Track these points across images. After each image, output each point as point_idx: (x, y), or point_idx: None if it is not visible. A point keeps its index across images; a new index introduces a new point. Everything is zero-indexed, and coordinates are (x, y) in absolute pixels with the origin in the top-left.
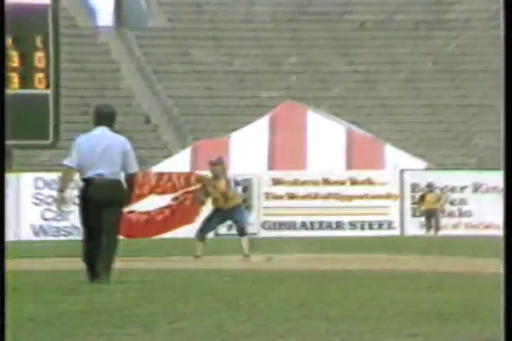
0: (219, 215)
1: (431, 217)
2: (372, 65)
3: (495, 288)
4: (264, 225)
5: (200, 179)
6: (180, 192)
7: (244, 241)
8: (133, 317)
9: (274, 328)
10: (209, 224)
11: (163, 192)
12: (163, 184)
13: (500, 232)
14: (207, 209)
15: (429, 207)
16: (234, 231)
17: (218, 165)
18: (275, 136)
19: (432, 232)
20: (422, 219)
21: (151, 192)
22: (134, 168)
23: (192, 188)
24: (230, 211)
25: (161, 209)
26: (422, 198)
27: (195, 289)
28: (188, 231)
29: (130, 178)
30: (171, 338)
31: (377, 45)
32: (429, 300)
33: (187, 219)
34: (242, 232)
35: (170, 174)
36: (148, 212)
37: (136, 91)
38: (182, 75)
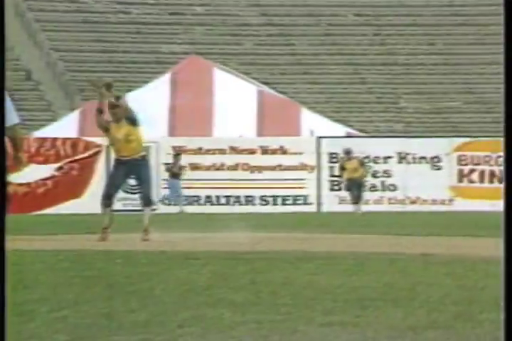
0: (121, 169)
1: (352, 188)
2: (287, 17)
3: (420, 270)
4: (163, 200)
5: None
6: (65, 161)
7: (147, 212)
8: (8, 305)
9: (171, 317)
10: (112, 183)
11: (46, 161)
12: (45, 151)
13: (428, 207)
14: (97, 181)
15: (348, 176)
16: (129, 207)
17: (119, 107)
18: (177, 97)
19: (353, 207)
20: (341, 193)
21: (31, 160)
22: (12, 119)
23: (80, 157)
24: (134, 163)
25: (43, 181)
26: (342, 167)
27: (80, 272)
28: (73, 206)
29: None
30: (51, 329)
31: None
32: (347, 284)
33: (73, 192)
34: (146, 200)
35: (54, 140)
36: (27, 184)
37: (15, 42)
38: (69, 25)
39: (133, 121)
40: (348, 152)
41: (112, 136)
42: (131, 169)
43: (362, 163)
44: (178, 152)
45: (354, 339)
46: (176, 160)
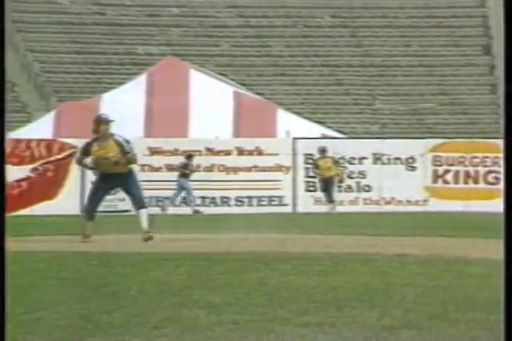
0: (107, 182)
1: (326, 187)
2: (264, 18)
3: (395, 270)
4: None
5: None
6: (40, 162)
7: (143, 215)
8: None
9: (147, 318)
10: (97, 197)
11: (20, 163)
12: (20, 152)
13: (403, 208)
14: (71, 182)
15: (321, 175)
16: (108, 208)
17: (107, 124)
18: (153, 98)
19: (328, 207)
20: (317, 194)
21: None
22: None
23: (55, 158)
24: (122, 176)
25: (18, 182)
26: (316, 166)
27: (56, 274)
28: (48, 207)
29: None
30: (26, 330)
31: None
32: (323, 284)
33: (48, 193)
34: (141, 203)
35: (29, 141)
36: None
37: None
38: (44, 26)
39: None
40: (322, 150)
41: (99, 157)
42: (117, 182)
43: (336, 162)
44: (190, 153)
45: (330, 340)
46: (189, 161)
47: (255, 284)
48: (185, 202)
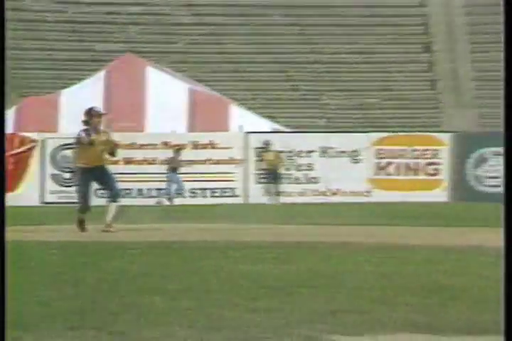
0: (90, 177)
1: (272, 179)
2: (217, 16)
3: (341, 258)
4: (96, 193)
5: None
6: None
7: (112, 209)
8: None
9: (105, 304)
10: (86, 193)
11: None
12: None
13: (348, 199)
14: (31, 175)
15: (267, 167)
16: (63, 199)
17: (99, 117)
18: (111, 93)
19: (275, 198)
20: (266, 185)
21: None
22: None
23: (15, 152)
24: (99, 169)
25: None
26: (261, 159)
27: (15, 263)
28: (9, 199)
29: None
30: None
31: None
32: (273, 272)
33: (8, 185)
34: (116, 196)
35: None
36: None
37: None
38: (7, 23)
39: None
40: (266, 144)
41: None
42: (97, 175)
43: (279, 155)
44: (178, 147)
45: (277, 324)
46: (177, 155)
47: (210, 272)
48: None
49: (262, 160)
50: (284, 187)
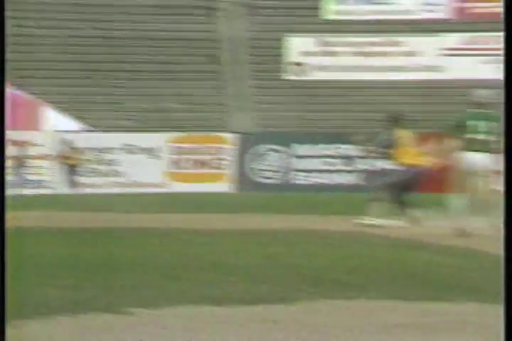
0: None
1: (72, 172)
2: (26, 28)
3: (137, 241)
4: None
5: None
6: None
7: None
8: None
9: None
10: None
11: None
12: None
13: (147, 190)
14: None
15: (71, 162)
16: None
17: None
18: None
19: (80, 189)
20: (76, 178)
21: None
22: None
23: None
24: None
25: None
26: (68, 156)
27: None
28: None
29: None
30: None
31: (38, 9)
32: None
33: None
34: None
35: None
36: None
37: None
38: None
39: None
40: (66, 142)
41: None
42: None
43: (78, 152)
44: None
45: (78, 300)
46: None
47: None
48: None
49: (68, 157)
50: (89, 179)
